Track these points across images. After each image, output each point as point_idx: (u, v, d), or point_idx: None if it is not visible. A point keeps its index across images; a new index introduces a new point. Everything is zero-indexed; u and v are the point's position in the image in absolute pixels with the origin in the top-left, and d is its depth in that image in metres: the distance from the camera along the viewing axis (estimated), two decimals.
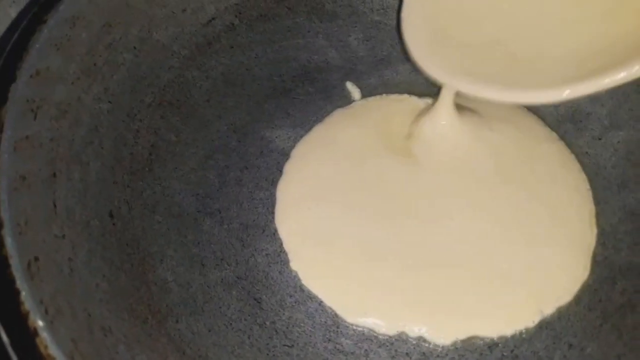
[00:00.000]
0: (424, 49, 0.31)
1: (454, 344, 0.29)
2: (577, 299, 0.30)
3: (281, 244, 0.32)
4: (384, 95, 0.37)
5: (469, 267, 0.30)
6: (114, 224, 0.29)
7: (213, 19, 0.36)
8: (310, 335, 0.29)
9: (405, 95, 0.37)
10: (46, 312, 0.22)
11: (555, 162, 0.34)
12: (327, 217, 0.32)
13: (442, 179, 0.33)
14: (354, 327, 0.29)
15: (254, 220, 0.33)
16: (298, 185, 0.34)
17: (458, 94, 0.31)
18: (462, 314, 0.29)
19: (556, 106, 0.36)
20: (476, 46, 0.30)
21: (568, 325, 0.29)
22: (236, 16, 0.37)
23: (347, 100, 0.37)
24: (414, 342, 0.29)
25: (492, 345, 0.29)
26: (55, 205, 0.26)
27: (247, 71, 0.37)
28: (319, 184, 0.33)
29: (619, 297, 0.29)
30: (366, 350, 0.29)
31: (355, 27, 0.39)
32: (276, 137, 0.36)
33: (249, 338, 0.29)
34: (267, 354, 0.28)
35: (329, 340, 0.29)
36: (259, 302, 0.30)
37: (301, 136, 0.36)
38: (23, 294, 0.22)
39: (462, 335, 0.29)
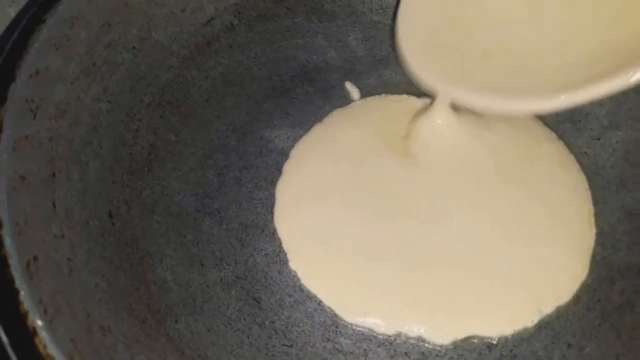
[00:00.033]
0: (420, 58, 0.31)
1: (453, 343, 0.29)
2: (576, 298, 0.30)
3: (280, 243, 0.32)
4: (383, 95, 0.37)
5: (467, 266, 0.30)
6: (113, 224, 0.29)
7: (212, 18, 0.36)
8: (310, 335, 0.29)
9: (404, 95, 0.37)
10: (45, 311, 0.22)
11: (554, 162, 0.34)
12: (326, 216, 0.32)
13: (441, 178, 0.33)
14: (353, 327, 0.29)
15: (253, 220, 0.33)
16: (297, 185, 0.34)
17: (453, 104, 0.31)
18: (461, 313, 0.29)
19: None
20: (472, 56, 0.30)
21: (567, 325, 0.29)
22: (235, 16, 0.37)
23: (346, 100, 0.37)
24: (413, 341, 0.29)
25: (491, 345, 0.29)
26: (54, 205, 0.26)
27: (246, 71, 0.37)
28: (318, 184, 0.33)
29: (617, 296, 0.30)
30: (365, 349, 0.29)
31: (355, 27, 0.39)
32: (275, 137, 0.36)
33: (248, 338, 0.29)
34: (266, 354, 0.28)
35: (328, 339, 0.29)
36: (258, 302, 0.30)
37: (300, 136, 0.36)
38: (22, 293, 0.22)
39: (461, 334, 0.29)
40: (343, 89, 0.38)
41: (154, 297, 0.28)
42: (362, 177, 0.34)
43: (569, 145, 0.35)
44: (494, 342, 0.29)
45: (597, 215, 0.32)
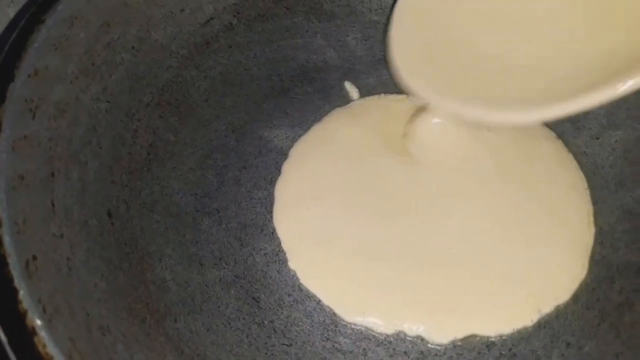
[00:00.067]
0: (413, 70, 0.31)
1: (452, 342, 0.29)
2: (575, 297, 0.30)
3: (279, 243, 0.32)
4: (383, 94, 0.37)
5: (467, 266, 0.30)
6: (112, 223, 0.29)
7: (211, 18, 0.36)
8: (309, 334, 0.29)
9: (404, 95, 0.37)
10: (44, 311, 0.22)
11: (553, 161, 0.34)
12: (325, 216, 0.32)
13: (440, 178, 0.33)
14: (352, 326, 0.29)
15: (252, 220, 0.33)
16: (296, 184, 0.34)
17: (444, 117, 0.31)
18: (461, 313, 0.29)
19: None
20: (464, 68, 0.30)
21: (566, 324, 0.29)
22: (234, 16, 0.37)
23: (345, 99, 0.37)
24: (412, 340, 0.29)
25: (490, 344, 0.29)
26: (53, 205, 0.26)
27: (246, 71, 0.37)
28: (317, 184, 0.34)
29: (616, 296, 0.30)
30: (364, 349, 0.29)
31: (354, 26, 0.39)
32: (274, 137, 0.36)
33: (247, 337, 0.29)
34: (266, 353, 0.28)
35: (327, 339, 0.29)
36: (258, 301, 0.30)
37: (299, 136, 0.36)
38: (21, 292, 0.22)
39: (460, 334, 0.29)
40: (342, 88, 0.38)
41: (153, 297, 0.28)
42: (362, 177, 0.34)
43: (568, 145, 0.35)
44: (493, 341, 0.29)
45: (596, 215, 0.32)
